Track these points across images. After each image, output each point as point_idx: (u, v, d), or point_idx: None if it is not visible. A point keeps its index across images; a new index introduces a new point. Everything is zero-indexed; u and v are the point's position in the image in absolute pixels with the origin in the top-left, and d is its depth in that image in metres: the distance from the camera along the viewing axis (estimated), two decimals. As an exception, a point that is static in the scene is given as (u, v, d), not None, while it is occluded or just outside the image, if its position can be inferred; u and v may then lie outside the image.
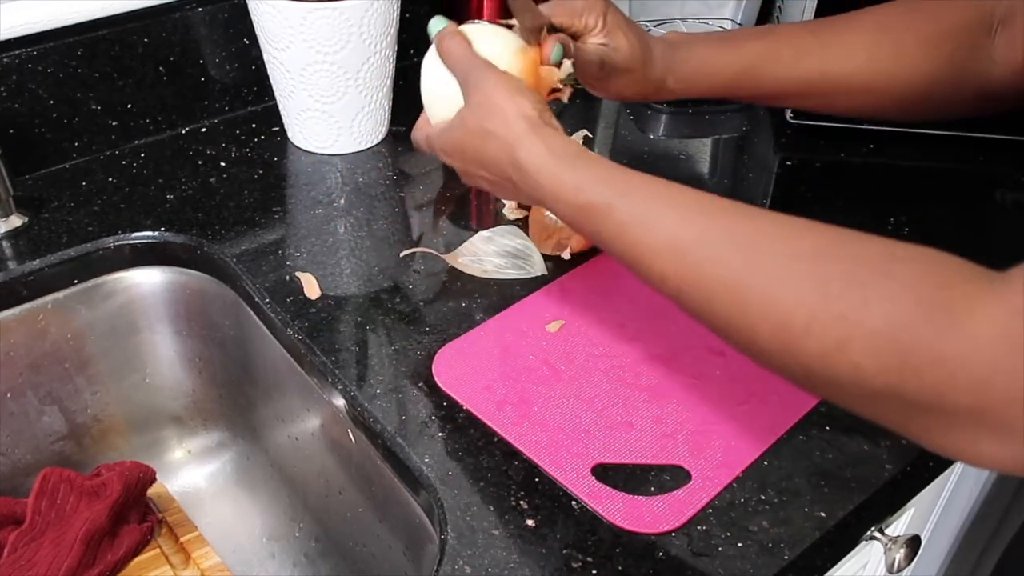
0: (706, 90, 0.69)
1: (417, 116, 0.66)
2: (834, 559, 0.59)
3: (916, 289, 0.39)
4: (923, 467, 0.62)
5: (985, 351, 0.37)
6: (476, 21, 0.64)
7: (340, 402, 0.67)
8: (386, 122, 0.93)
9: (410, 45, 0.99)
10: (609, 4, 0.66)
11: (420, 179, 0.88)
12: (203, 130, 0.94)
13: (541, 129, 0.55)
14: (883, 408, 0.41)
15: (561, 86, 0.65)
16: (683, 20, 1.07)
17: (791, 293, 0.43)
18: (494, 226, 0.79)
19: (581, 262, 0.77)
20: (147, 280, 0.82)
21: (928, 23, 0.63)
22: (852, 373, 0.41)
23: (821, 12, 0.89)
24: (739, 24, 1.07)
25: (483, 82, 0.58)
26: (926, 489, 0.68)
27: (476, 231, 0.78)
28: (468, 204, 0.85)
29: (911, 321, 0.39)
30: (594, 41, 0.65)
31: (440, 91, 0.62)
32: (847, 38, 0.65)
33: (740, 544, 0.55)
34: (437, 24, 0.62)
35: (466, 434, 0.62)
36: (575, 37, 0.65)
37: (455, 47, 0.61)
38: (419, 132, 0.66)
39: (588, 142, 0.80)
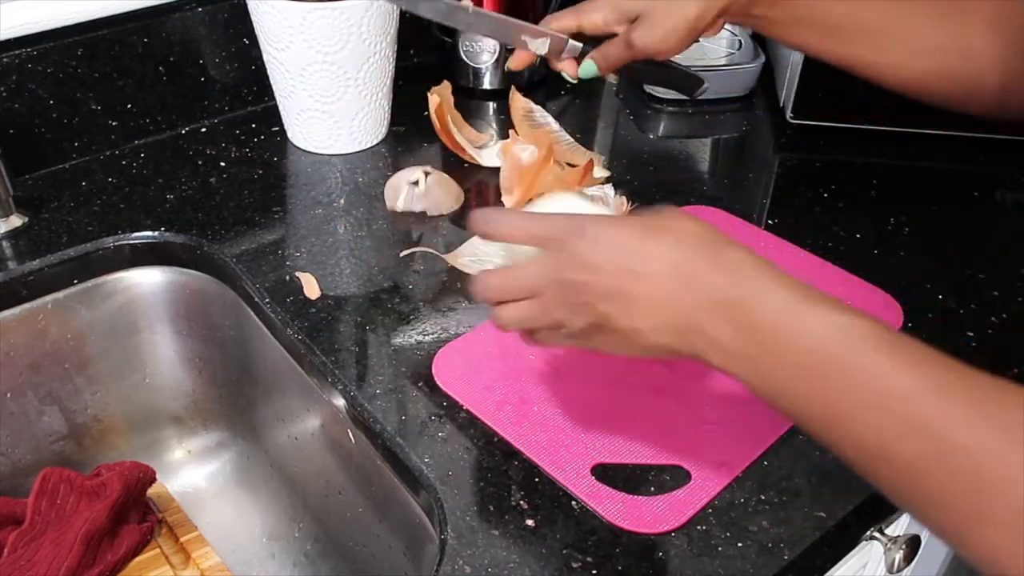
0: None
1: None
2: (834, 559, 0.59)
3: None
4: (923, 467, 0.62)
5: None
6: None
7: (340, 402, 0.67)
8: (386, 122, 0.93)
9: (409, 45, 0.99)
10: None
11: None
12: (203, 130, 0.94)
13: (769, 269, 0.46)
14: None
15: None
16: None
17: None
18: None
19: (581, 262, 0.76)
20: (147, 280, 0.82)
21: (996, 5, 0.62)
22: None
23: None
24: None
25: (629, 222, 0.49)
26: (926, 489, 0.68)
27: (476, 231, 0.78)
28: (468, 204, 0.85)
29: None
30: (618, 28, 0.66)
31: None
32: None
33: (740, 544, 0.55)
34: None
35: (466, 434, 0.62)
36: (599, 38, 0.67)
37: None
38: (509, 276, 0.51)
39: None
